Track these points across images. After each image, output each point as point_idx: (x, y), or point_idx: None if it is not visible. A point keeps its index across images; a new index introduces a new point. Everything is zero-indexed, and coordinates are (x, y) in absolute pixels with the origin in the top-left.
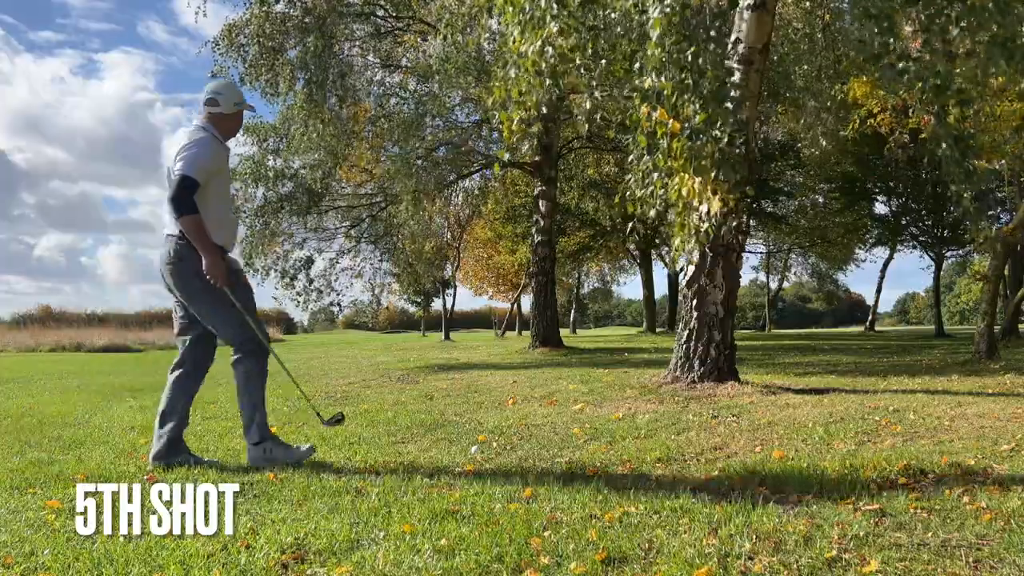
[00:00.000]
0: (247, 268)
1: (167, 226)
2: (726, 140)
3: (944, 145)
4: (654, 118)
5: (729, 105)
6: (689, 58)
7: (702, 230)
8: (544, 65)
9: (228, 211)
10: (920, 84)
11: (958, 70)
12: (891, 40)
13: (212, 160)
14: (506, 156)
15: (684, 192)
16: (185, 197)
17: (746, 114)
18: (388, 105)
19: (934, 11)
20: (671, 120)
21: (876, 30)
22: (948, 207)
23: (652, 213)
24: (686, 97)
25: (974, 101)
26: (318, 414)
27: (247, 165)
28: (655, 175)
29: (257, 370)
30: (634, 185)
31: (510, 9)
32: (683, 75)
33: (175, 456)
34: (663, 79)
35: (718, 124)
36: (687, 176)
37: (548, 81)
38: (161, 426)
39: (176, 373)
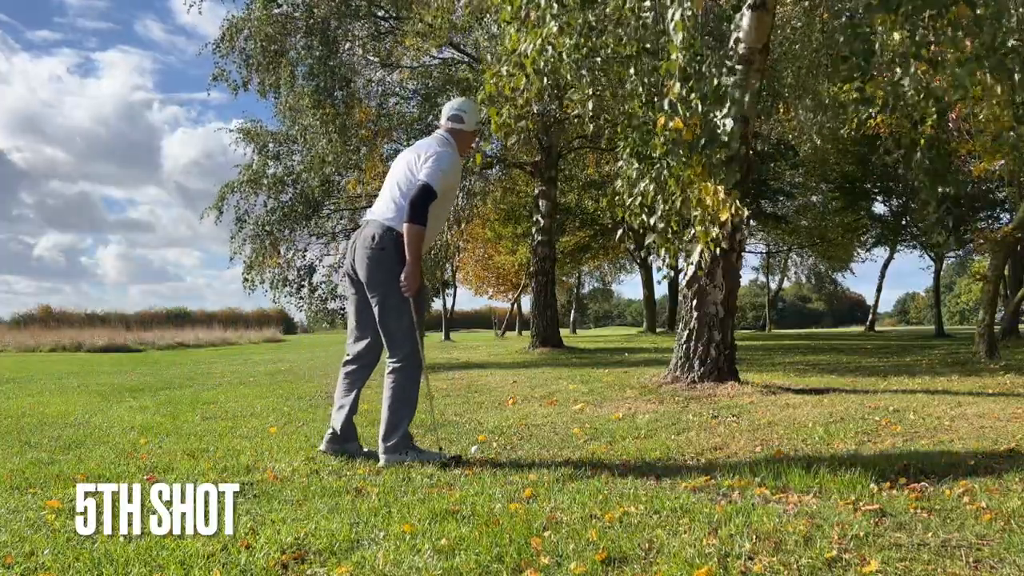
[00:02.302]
0: (250, 282)
1: (375, 212)
2: (726, 142)
3: (918, 154)
4: (670, 127)
5: (728, 107)
6: (698, 65)
7: (714, 235)
8: (543, 64)
9: (439, 225)
10: (900, 94)
11: (939, 79)
12: (869, 61)
13: (452, 177)
14: (488, 149)
15: (708, 201)
16: (422, 206)
17: (746, 114)
18: (388, 104)
19: (917, 21)
20: (685, 129)
21: (858, 49)
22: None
23: (636, 223)
24: (694, 102)
25: (951, 108)
26: (440, 448)
27: (246, 173)
28: (644, 185)
29: (412, 382)
30: (623, 191)
31: (508, 8)
32: (690, 83)
33: (345, 443)
34: (677, 88)
35: (720, 128)
36: (708, 185)
37: (546, 80)
38: (336, 420)
39: (348, 369)
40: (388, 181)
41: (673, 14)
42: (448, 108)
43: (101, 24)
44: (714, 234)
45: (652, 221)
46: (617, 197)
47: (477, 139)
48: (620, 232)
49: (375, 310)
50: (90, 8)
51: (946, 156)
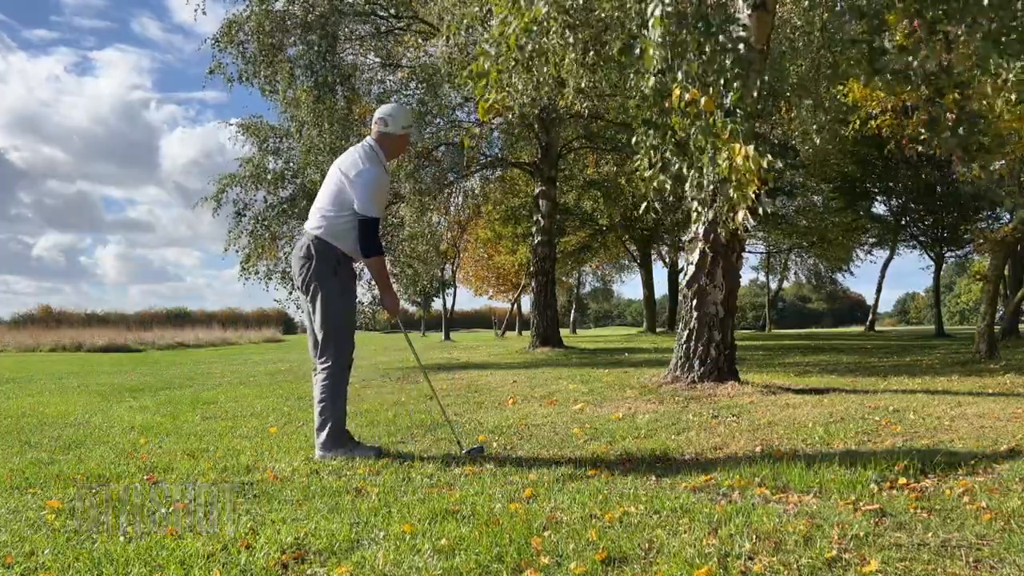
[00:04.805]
0: (247, 271)
1: (306, 225)
2: (743, 115)
3: (946, 132)
4: (686, 98)
5: (743, 78)
6: (704, 49)
7: (749, 194)
8: (524, 40)
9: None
10: (911, 77)
11: (952, 60)
12: (879, 39)
13: (382, 193)
14: (477, 130)
15: (739, 161)
16: (372, 237)
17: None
18: (388, 102)
19: (929, 6)
20: (704, 98)
21: (865, 28)
22: (946, 208)
23: (668, 186)
24: (711, 77)
25: (970, 85)
26: (459, 442)
27: (248, 167)
28: (667, 153)
29: (336, 383)
30: (642, 164)
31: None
32: (701, 58)
33: (338, 449)
34: (687, 64)
35: (738, 98)
36: (736, 146)
37: (527, 58)
38: (321, 428)
39: (317, 377)
40: (320, 193)
41: (653, 10)
42: (376, 113)
43: (98, 23)
44: (752, 193)
45: (685, 189)
46: (637, 172)
47: (412, 141)
48: (644, 206)
49: (309, 313)
50: (87, 7)
51: (973, 127)
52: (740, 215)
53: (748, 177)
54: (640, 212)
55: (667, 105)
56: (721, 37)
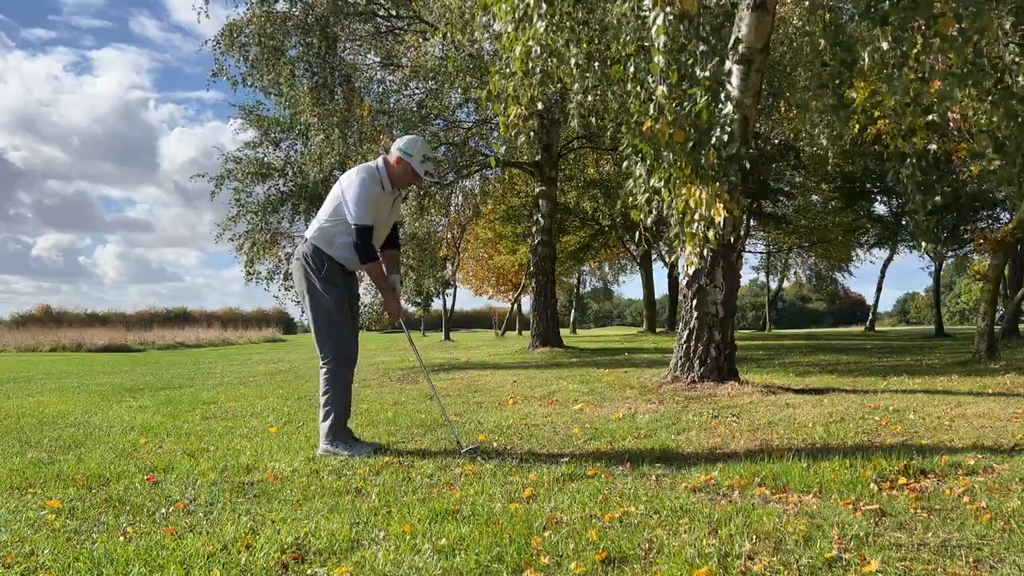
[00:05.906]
0: (249, 273)
1: (308, 230)
2: (722, 146)
3: (907, 168)
4: (656, 129)
5: (727, 110)
6: (687, 68)
7: (709, 236)
8: (531, 64)
9: (379, 233)
10: (893, 100)
11: (926, 88)
12: (852, 70)
13: (373, 203)
14: (503, 150)
15: (692, 203)
16: (364, 244)
17: (745, 113)
18: (389, 102)
19: (903, 35)
20: (673, 130)
21: (840, 59)
22: (946, 208)
23: (649, 221)
24: (685, 105)
25: (938, 126)
26: (458, 441)
27: (249, 155)
28: (654, 183)
29: (336, 378)
30: (635, 190)
31: (503, 7)
32: (682, 84)
33: (339, 443)
34: (662, 89)
35: (714, 131)
36: (693, 187)
37: (536, 80)
38: (324, 419)
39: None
40: (323, 205)
41: (655, 18)
42: (395, 142)
43: (96, 22)
44: (702, 235)
45: (667, 217)
46: (631, 199)
47: (424, 175)
48: (638, 234)
49: (303, 314)
50: (85, 6)
51: (934, 167)
52: (688, 250)
53: (701, 217)
54: (636, 242)
55: (644, 129)
56: (707, 72)
